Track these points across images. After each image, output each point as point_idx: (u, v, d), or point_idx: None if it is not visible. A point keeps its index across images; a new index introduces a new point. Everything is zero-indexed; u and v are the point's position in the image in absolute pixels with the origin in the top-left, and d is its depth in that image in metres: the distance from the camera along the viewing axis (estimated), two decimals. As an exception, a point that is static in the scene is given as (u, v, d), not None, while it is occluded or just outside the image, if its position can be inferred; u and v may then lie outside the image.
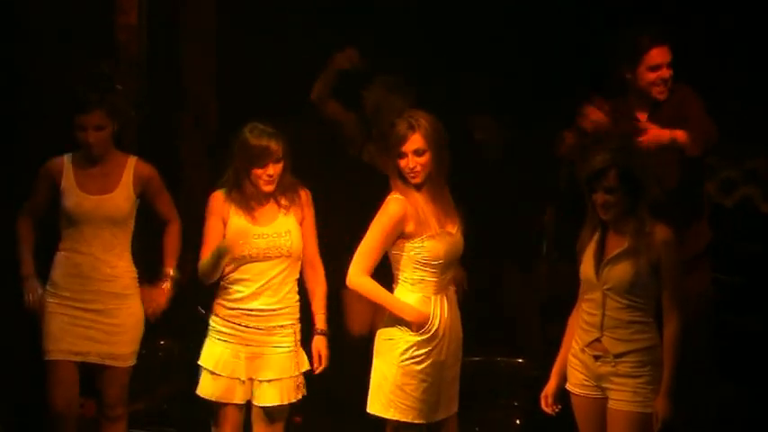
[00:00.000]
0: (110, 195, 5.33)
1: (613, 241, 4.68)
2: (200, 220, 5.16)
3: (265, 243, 5.07)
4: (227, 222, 5.08)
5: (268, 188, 5.03)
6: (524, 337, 5.92)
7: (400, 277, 4.89)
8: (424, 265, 4.85)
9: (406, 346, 4.84)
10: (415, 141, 4.79)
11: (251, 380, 5.10)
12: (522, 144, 6.20)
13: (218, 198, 5.10)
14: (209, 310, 5.13)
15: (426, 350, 4.84)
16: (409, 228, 4.82)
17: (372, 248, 4.84)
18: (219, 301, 5.11)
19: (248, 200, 5.05)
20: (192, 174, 6.84)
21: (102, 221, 5.32)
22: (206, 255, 5.01)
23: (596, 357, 4.68)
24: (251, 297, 5.08)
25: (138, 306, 5.40)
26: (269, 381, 5.10)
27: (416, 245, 4.83)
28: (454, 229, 4.90)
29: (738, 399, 5.63)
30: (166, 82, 6.77)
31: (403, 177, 4.83)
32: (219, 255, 4.96)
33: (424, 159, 4.81)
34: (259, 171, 4.99)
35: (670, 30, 5.50)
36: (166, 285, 5.40)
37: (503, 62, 6.47)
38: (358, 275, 4.86)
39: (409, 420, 4.86)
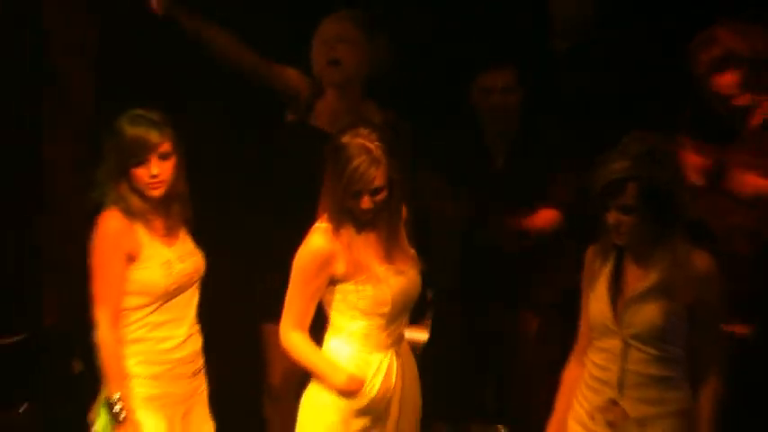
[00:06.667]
0: None
1: (634, 273, 3.95)
2: (74, 244, 4.49)
3: (192, 266, 4.34)
4: (140, 254, 4.24)
5: (154, 192, 4.23)
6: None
7: (333, 323, 4.17)
8: (366, 314, 4.11)
9: (341, 417, 4.10)
10: (377, 179, 4.04)
11: None
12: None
13: (114, 221, 4.21)
14: (87, 362, 4.36)
15: (364, 422, 4.11)
16: (339, 268, 4.10)
17: (296, 296, 4.13)
18: (144, 359, 4.26)
19: (144, 213, 4.24)
20: (61, 185, 5.69)
21: None
22: (105, 305, 4.18)
23: (611, 425, 3.96)
24: (184, 342, 4.33)
25: None
26: None
27: (352, 288, 4.11)
28: (406, 266, 4.17)
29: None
30: (30, 63, 5.62)
31: (343, 207, 4.07)
32: None
33: (381, 197, 4.08)
34: (140, 171, 4.21)
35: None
36: None
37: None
38: (285, 331, 4.14)
39: None
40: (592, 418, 3.97)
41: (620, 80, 5.06)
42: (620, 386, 3.91)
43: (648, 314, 3.87)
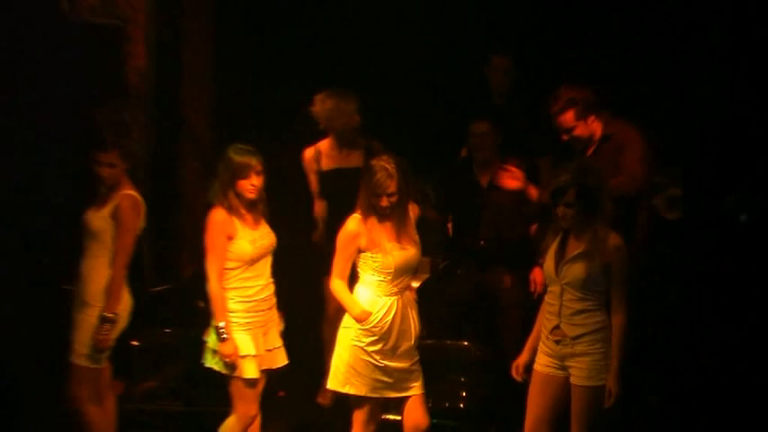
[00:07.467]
0: (93, 211, 4.82)
1: (572, 244, 4.39)
2: (199, 229, 4.73)
3: (268, 242, 4.78)
4: (235, 235, 4.70)
5: (252, 195, 4.70)
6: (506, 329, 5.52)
7: (360, 276, 4.69)
8: (378, 271, 4.63)
9: (355, 334, 4.62)
10: (391, 187, 4.56)
11: (267, 351, 4.76)
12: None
13: (220, 214, 4.68)
14: (206, 303, 4.67)
15: (372, 339, 4.60)
16: (362, 243, 4.61)
17: (339, 258, 4.65)
18: (238, 300, 4.70)
19: (239, 209, 4.69)
20: (191, 193, 6.26)
21: (86, 233, 4.83)
22: (214, 266, 4.61)
23: (557, 342, 4.38)
24: (263, 289, 4.76)
25: (94, 316, 4.74)
26: (278, 347, 4.80)
27: (369, 255, 4.62)
28: (409, 245, 4.64)
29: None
30: (169, 115, 6.20)
31: (370, 204, 4.58)
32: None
33: (394, 199, 4.58)
34: (244, 182, 4.66)
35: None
36: (102, 327, 4.72)
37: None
38: (332, 279, 4.68)
39: (362, 394, 4.61)
40: (547, 338, 4.38)
41: (534, 124, 5.51)
42: (560, 315, 4.33)
43: (576, 270, 4.31)
